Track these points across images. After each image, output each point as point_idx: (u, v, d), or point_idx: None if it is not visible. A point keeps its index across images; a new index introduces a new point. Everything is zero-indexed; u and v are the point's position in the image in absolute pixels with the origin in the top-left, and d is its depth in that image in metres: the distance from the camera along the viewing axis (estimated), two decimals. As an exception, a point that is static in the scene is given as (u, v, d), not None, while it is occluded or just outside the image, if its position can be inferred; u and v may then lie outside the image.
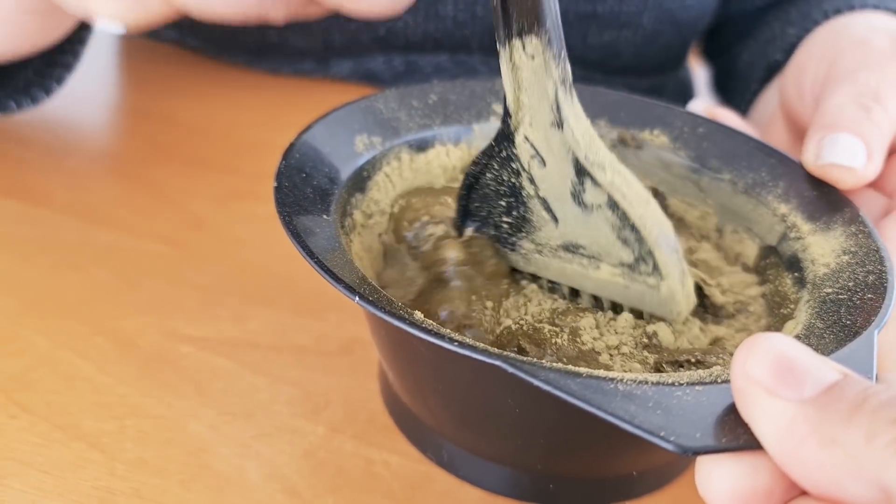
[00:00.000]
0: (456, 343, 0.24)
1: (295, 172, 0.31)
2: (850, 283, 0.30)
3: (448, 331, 0.26)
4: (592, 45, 0.64)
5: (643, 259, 0.31)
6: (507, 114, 0.32)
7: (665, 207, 0.39)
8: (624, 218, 0.31)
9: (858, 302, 0.29)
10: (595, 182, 0.31)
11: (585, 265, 0.32)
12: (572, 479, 0.32)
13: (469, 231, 0.34)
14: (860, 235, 0.33)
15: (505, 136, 0.32)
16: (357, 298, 0.25)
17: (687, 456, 0.22)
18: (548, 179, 0.32)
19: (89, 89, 0.59)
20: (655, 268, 0.31)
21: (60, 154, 0.51)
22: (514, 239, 0.34)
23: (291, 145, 0.33)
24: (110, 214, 0.46)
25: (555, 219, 0.32)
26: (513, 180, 0.33)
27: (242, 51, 0.62)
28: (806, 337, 0.28)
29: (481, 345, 0.25)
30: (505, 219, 0.33)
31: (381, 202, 0.35)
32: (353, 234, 0.33)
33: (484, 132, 0.38)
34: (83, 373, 0.36)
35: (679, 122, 0.39)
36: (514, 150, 0.32)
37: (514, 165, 0.32)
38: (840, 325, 0.28)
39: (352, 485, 0.33)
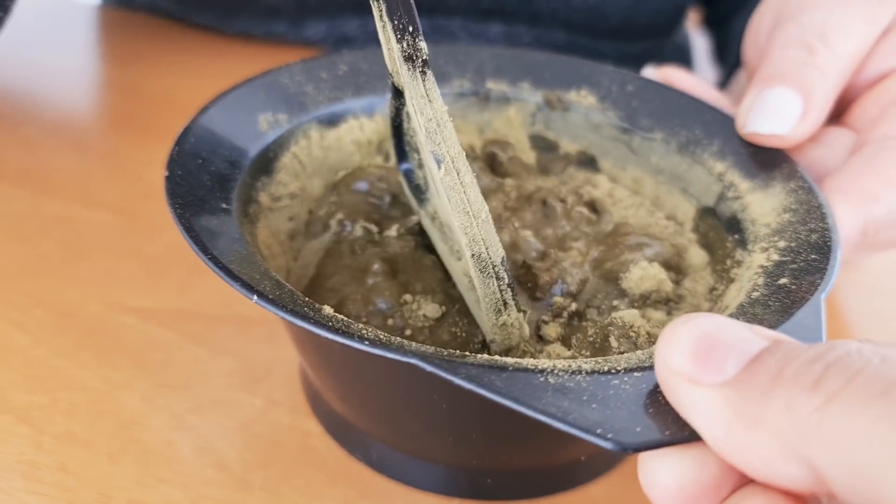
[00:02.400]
0: (367, 342, 0.22)
1: (190, 159, 0.29)
2: (793, 244, 0.28)
3: (360, 326, 0.23)
4: (577, 8, 0.61)
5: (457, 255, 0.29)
6: (387, 71, 0.29)
7: (596, 171, 0.37)
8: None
9: (803, 264, 0.27)
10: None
11: (452, 252, 0.30)
12: (512, 472, 0.30)
13: (401, 174, 0.33)
14: (800, 191, 0.31)
15: (397, 93, 0.30)
16: (255, 298, 0.23)
17: (627, 454, 0.20)
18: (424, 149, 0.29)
19: (52, 59, 0.58)
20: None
21: (15, 124, 0.50)
22: (424, 196, 0.32)
23: (185, 129, 0.30)
24: (62, 185, 0.45)
25: (437, 191, 0.29)
26: (415, 137, 0.30)
27: (213, 11, 0.60)
28: (751, 305, 0.26)
29: (396, 341, 0.23)
30: (419, 171, 0.32)
31: (291, 185, 0.33)
32: (258, 221, 0.31)
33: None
34: (18, 345, 0.35)
35: (607, 81, 0.37)
36: (407, 108, 0.29)
37: (412, 125, 0.30)
38: (785, 291, 0.26)
39: (285, 458, 0.31)
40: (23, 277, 0.39)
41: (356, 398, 0.29)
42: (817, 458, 0.17)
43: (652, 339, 0.28)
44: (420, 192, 0.32)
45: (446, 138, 0.27)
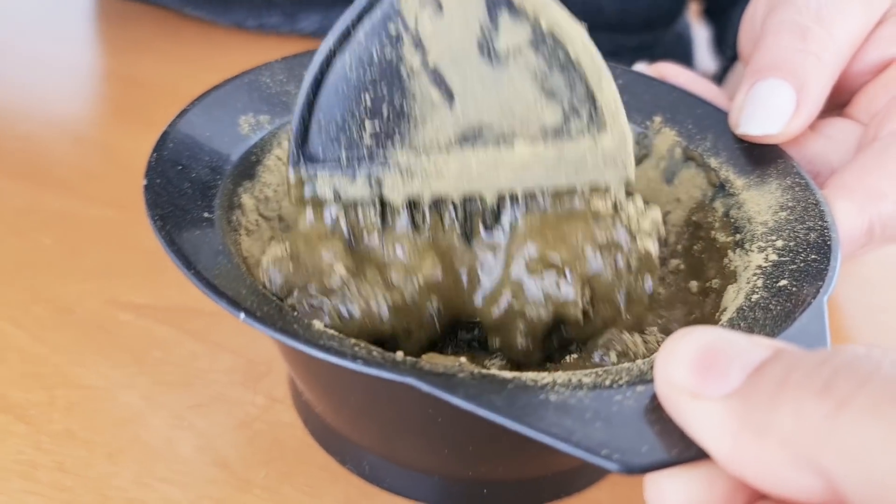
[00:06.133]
0: (360, 361, 0.21)
1: (169, 166, 0.28)
2: (792, 243, 0.28)
3: (353, 342, 0.23)
4: (572, 0, 0.61)
5: (575, 110, 0.26)
6: None
7: None
8: (554, 54, 0.26)
9: (802, 264, 0.26)
10: (514, 9, 0.25)
11: (495, 149, 0.26)
12: (508, 482, 0.29)
13: (305, 170, 0.27)
14: (797, 188, 0.30)
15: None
16: (242, 316, 0.22)
17: (633, 475, 0.19)
18: (444, 34, 0.26)
19: (48, 49, 0.57)
20: (593, 116, 0.26)
21: (14, 118, 0.50)
22: (382, 154, 0.27)
23: (164, 134, 0.29)
24: (61, 179, 0.45)
25: (449, 96, 0.26)
26: (387, 54, 0.26)
27: (207, 3, 0.59)
28: (751, 309, 0.25)
29: (391, 357, 0.22)
30: (368, 126, 0.26)
31: (276, 186, 0.32)
32: (241, 229, 0.29)
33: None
34: (16, 342, 0.35)
35: None
36: (398, 6, 0.25)
37: (392, 28, 0.26)
38: (786, 293, 0.25)
39: (286, 456, 0.31)
40: (21, 273, 0.38)
41: (347, 411, 0.29)
42: (831, 467, 0.16)
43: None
44: (369, 161, 0.27)
45: None
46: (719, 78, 0.66)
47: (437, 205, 0.27)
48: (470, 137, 0.27)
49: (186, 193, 0.27)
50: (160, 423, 0.32)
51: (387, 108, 0.26)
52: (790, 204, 0.29)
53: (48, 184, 0.44)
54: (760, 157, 0.32)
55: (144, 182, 0.27)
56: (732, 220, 0.31)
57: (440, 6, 0.26)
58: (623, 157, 0.27)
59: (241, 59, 0.58)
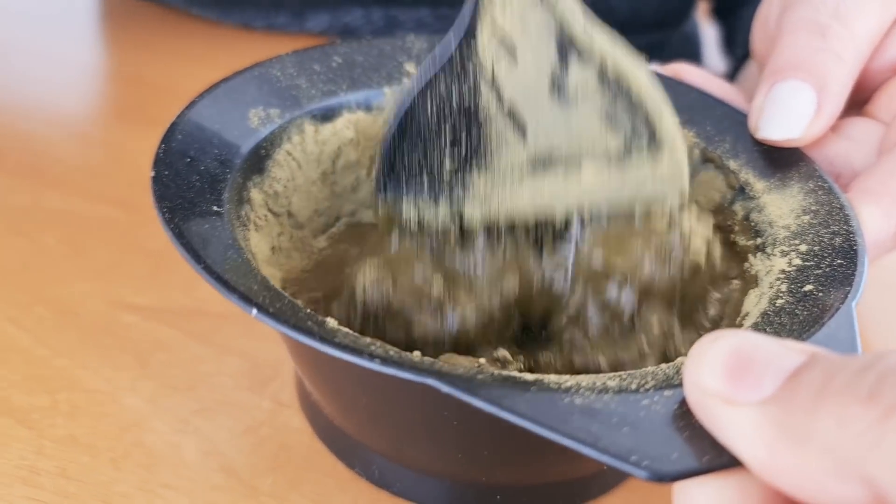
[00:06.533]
0: (378, 360, 0.21)
1: (178, 158, 0.27)
2: (816, 248, 0.27)
3: (369, 341, 0.22)
4: (584, 1, 0.60)
5: (637, 138, 0.28)
6: (477, 4, 0.27)
7: None
8: (617, 89, 0.28)
9: (828, 269, 0.26)
10: (582, 55, 0.28)
11: (564, 174, 0.28)
12: (521, 487, 0.29)
13: (391, 196, 0.29)
14: (819, 192, 0.29)
15: (462, 45, 0.28)
16: (254, 312, 0.22)
17: (664, 483, 0.18)
18: (517, 80, 0.28)
19: (53, 48, 0.57)
20: (652, 143, 0.28)
21: (17, 116, 0.49)
22: (459, 183, 0.29)
23: (172, 125, 0.28)
24: (64, 178, 0.44)
25: (522, 130, 0.28)
26: (466, 97, 0.28)
27: (214, 2, 0.59)
28: (776, 314, 0.25)
29: (409, 358, 0.21)
30: (448, 159, 0.29)
31: (285, 181, 0.31)
32: (250, 224, 0.29)
33: (397, 95, 0.34)
34: (19, 344, 0.34)
35: None
36: (476, 58, 0.28)
37: (471, 80, 0.28)
38: (812, 299, 0.25)
39: (294, 462, 0.30)
40: (23, 273, 0.38)
41: (357, 412, 0.28)
42: (878, 475, 0.16)
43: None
44: (448, 187, 0.29)
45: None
46: (729, 78, 0.66)
47: (512, 229, 0.29)
48: (540, 165, 0.29)
49: (195, 186, 0.27)
50: (165, 428, 0.31)
51: (465, 142, 0.28)
52: (813, 208, 0.29)
53: (51, 183, 0.44)
54: (781, 159, 0.31)
55: (152, 173, 0.26)
56: (753, 224, 0.30)
57: (515, 58, 0.28)
58: (679, 176, 0.29)
59: (248, 58, 0.57)
